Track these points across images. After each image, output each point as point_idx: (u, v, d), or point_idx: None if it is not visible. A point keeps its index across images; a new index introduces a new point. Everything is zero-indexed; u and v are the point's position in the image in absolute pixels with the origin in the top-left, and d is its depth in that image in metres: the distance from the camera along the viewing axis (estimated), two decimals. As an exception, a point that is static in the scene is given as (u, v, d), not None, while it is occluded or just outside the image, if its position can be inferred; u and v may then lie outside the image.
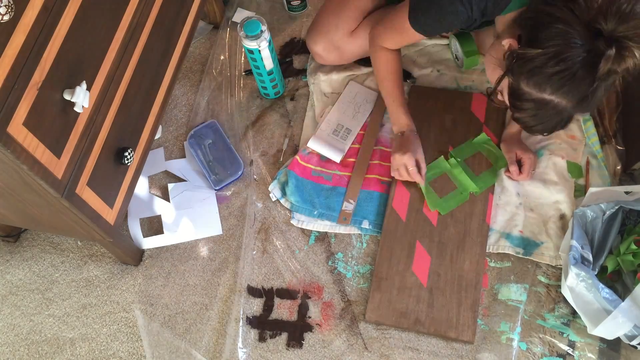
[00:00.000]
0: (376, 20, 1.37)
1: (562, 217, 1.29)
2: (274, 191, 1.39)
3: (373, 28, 1.33)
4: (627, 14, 0.86)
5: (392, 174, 1.33)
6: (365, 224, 1.33)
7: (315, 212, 1.35)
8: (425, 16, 1.15)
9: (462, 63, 1.46)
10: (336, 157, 1.39)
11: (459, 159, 1.36)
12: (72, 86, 0.94)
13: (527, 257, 1.26)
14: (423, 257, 1.26)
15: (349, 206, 1.34)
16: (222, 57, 1.60)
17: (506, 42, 1.01)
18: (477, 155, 1.37)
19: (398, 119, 1.35)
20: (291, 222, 1.36)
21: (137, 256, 1.34)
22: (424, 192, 1.32)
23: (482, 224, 1.28)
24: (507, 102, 1.03)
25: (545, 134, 1.04)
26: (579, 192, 1.31)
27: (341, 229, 1.34)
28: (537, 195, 1.31)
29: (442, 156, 1.36)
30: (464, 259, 1.25)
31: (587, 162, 1.34)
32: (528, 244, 1.27)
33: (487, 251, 1.28)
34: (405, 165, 1.30)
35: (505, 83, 1.02)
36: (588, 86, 0.91)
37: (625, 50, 0.86)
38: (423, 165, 1.32)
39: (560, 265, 1.25)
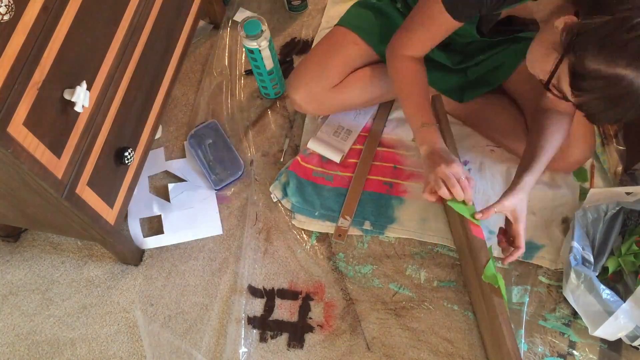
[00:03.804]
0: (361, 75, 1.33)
1: (565, 220, 1.29)
2: (275, 192, 1.38)
3: (392, 39, 1.19)
4: None
5: (428, 197, 1.14)
6: (367, 225, 1.33)
7: (317, 213, 1.35)
8: None
9: None
10: (336, 158, 1.39)
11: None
12: (72, 86, 0.94)
13: (528, 261, 1.26)
14: None
15: (344, 223, 1.33)
16: (222, 57, 1.60)
17: (561, 21, 0.88)
18: None
19: (428, 138, 1.16)
20: (292, 222, 1.35)
21: (137, 256, 1.34)
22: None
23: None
24: (565, 90, 0.90)
25: (620, 121, 0.90)
26: (584, 195, 1.30)
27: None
28: (541, 198, 1.31)
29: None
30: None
31: (592, 166, 1.34)
32: (529, 247, 1.27)
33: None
34: (448, 177, 1.09)
35: (563, 68, 0.88)
36: None
37: None
38: (465, 179, 1.11)
39: (561, 268, 1.24)
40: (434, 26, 1.10)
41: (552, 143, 1.14)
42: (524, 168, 1.13)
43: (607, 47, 0.81)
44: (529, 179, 1.11)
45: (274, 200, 1.38)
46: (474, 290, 1.19)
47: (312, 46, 1.58)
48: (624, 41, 0.79)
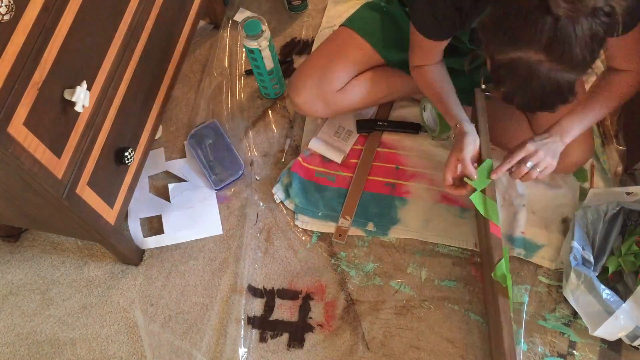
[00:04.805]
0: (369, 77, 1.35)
1: (565, 220, 1.29)
2: (278, 193, 1.38)
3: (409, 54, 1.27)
4: None
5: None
6: (370, 227, 1.33)
7: (320, 214, 1.35)
8: (421, 14, 1.11)
9: (434, 128, 1.39)
10: (337, 158, 1.39)
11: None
12: (72, 86, 0.94)
13: (528, 260, 1.26)
14: None
15: (345, 223, 1.33)
16: (222, 57, 1.60)
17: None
18: None
19: (451, 119, 1.22)
20: (295, 223, 1.35)
21: (137, 256, 1.34)
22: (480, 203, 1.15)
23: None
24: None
25: (545, 108, 0.95)
26: (584, 195, 1.30)
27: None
28: (541, 197, 1.31)
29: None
30: None
31: (592, 166, 1.34)
32: (529, 246, 1.27)
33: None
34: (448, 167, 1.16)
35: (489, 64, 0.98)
36: (550, 26, 0.82)
37: None
38: (466, 161, 1.15)
39: (560, 268, 1.24)
40: (425, 47, 1.19)
41: (599, 97, 1.14)
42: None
43: (497, 38, 0.89)
44: (565, 122, 1.13)
45: (277, 201, 1.38)
46: (487, 288, 1.20)
47: (315, 46, 1.57)
48: (506, 29, 0.87)
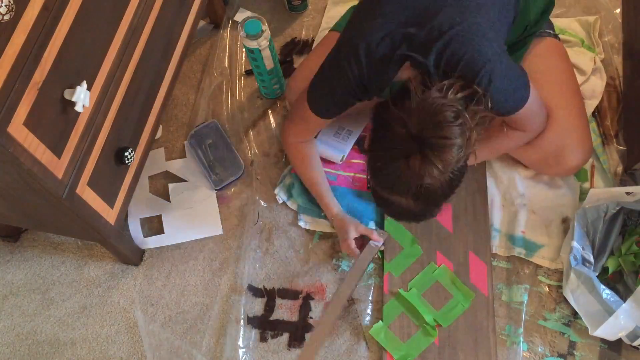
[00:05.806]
0: None
1: (565, 220, 1.29)
2: (280, 194, 1.38)
3: (282, 128, 1.33)
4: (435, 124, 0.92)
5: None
6: (372, 226, 1.32)
7: (322, 214, 1.34)
8: (319, 95, 1.15)
9: None
10: (337, 159, 1.39)
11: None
12: (72, 86, 0.93)
13: (529, 259, 1.26)
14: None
15: None
16: (222, 57, 1.60)
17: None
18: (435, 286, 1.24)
19: (326, 208, 1.30)
20: (298, 223, 1.35)
21: (137, 256, 1.34)
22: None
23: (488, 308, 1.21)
24: None
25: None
26: (584, 195, 1.30)
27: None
28: (542, 197, 1.31)
29: (432, 263, 1.26)
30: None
31: (592, 166, 1.34)
32: (530, 245, 1.27)
33: (492, 252, 1.27)
34: (352, 250, 1.24)
35: None
36: (417, 186, 0.98)
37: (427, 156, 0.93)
38: (364, 230, 1.26)
39: (561, 268, 1.24)
40: (312, 123, 1.21)
41: (493, 143, 1.23)
42: None
43: (384, 183, 1.06)
44: None
45: (280, 202, 1.38)
46: None
47: (310, 52, 1.56)
48: (385, 175, 1.03)
